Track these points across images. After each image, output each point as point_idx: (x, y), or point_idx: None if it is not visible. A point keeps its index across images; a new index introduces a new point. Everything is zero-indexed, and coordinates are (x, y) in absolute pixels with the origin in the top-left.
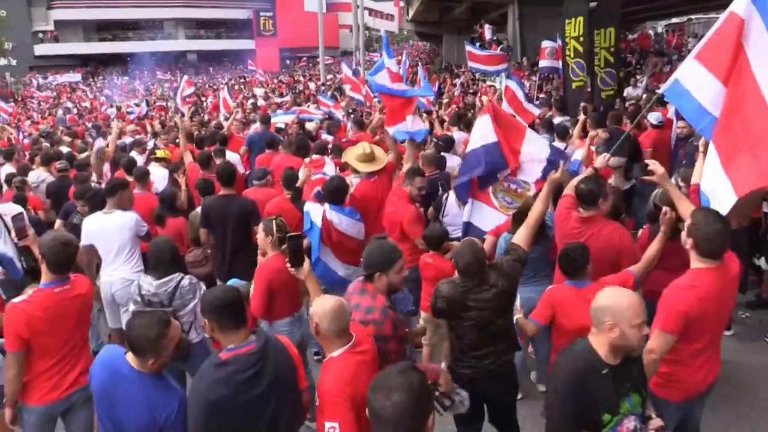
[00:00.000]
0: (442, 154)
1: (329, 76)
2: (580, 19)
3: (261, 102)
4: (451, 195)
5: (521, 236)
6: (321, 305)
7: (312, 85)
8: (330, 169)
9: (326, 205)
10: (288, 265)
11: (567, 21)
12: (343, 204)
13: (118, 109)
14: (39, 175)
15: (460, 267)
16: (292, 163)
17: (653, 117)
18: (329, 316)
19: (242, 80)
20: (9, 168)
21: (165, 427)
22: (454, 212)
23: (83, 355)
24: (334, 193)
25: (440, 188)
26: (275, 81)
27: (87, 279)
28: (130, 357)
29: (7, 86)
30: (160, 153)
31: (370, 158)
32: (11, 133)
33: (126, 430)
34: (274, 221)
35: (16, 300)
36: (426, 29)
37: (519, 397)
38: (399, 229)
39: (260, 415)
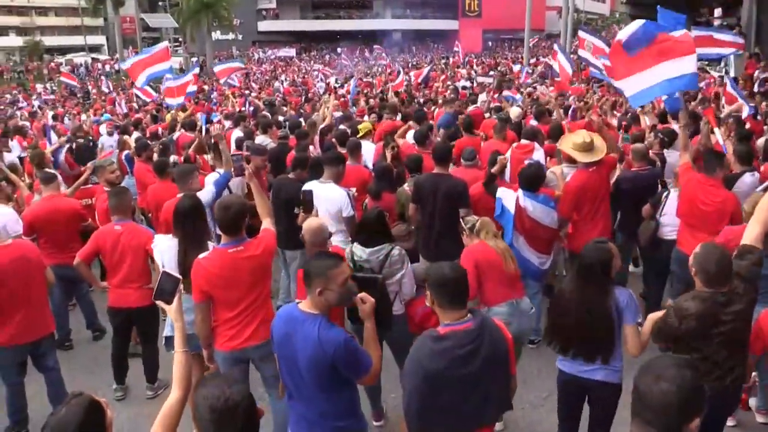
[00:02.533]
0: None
1: (532, 60)
2: None
3: (465, 83)
4: (672, 193)
5: (754, 234)
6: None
7: (516, 68)
8: (539, 155)
9: (520, 192)
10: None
11: None
12: (537, 191)
13: (327, 84)
14: (262, 141)
15: (710, 276)
16: (499, 147)
17: None
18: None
19: (444, 60)
20: (238, 133)
21: (335, 359)
22: (675, 211)
23: (262, 311)
24: (530, 180)
25: (659, 185)
26: (478, 61)
27: (262, 241)
28: (302, 304)
29: (234, 58)
30: (363, 127)
31: (588, 147)
32: (236, 102)
33: (301, 365)
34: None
35: (200, 256)
36: (642, 12)
37: None
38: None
39: (471, 393)
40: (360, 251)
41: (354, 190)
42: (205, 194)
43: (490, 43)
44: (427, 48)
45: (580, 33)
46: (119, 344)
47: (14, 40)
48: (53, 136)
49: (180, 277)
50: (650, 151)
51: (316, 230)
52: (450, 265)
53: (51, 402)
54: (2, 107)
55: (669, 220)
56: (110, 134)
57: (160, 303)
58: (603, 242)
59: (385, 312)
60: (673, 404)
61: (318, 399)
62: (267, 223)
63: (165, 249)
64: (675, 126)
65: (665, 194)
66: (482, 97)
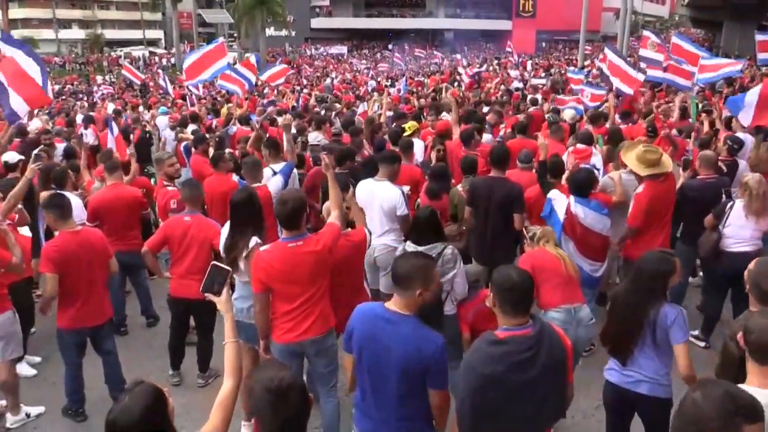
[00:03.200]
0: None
1: (587, 62)
2: None
3: (517, 85)
4: (737, 204)
5: None
6: None
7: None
8: (598, 160)
9: (571, 198)
10: None
11: None
12: (587, 196)
13: (378, 82)
14: (315, 137)
15: (763, 292)
16: (556, 149)
17: None
18: None
19: (497, 61)
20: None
21: (430, 364)
22: (739, 223)
23: (319, 305)
24: (580, 185)
25: (723, 195)
26: (531, 63)
27: (323, 237)
28: (389, 304)
29: (286, 54)
30: (410, 126)
31: (654, 162)
32: (291, 97)
33: (388, 365)
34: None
35: (261, 249)
36: (704, 15)
37: None
38: None
39: (527, 399)
40: (412, 249)
41: (408, 188)
42: (274, 183)
43: (543, 44)
44: (479, 48)
45: (645, 32)
46: (177, 333)
47: (77, 33)
48: (114, 127)
49: (229, 269)
50: (719, 158)
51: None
52: (518, 270)
53: (107, 384)
54: (65, 98)
55: (732, 232)
56: (172, 128)
57: (208, 295)
58: (668, 254)
59: (438, 311)
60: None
61: (397, 401)
62: (334, 217)
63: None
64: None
65: (729, 205)
66: (537, 99)
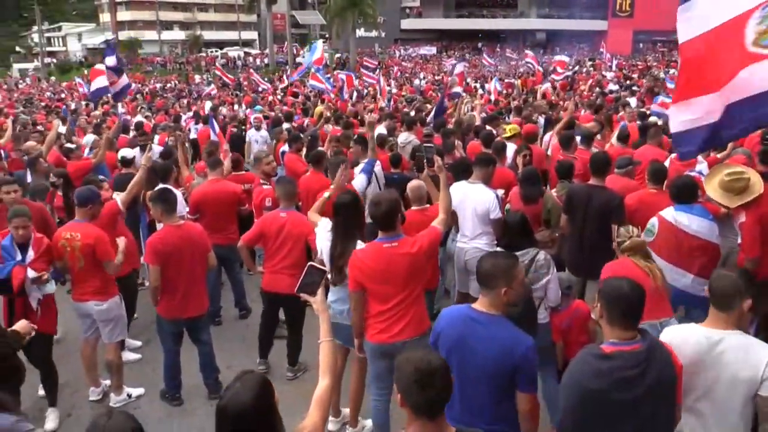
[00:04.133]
0: None
1: None
2: None
3: (612, 87)
4: None
5: None
6: None
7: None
8: (704, 168)
9: (669, 208)
10: None
11: None
12: (692, 202)
13: (467, 84)
14: (406, 137)
15: None
16: (658, 155)
17: None
18: None
19: (590, 62)
20: (381, 129)
21: (519, 364)
22: None
23: (413, 308)
24: (682, 190)
25: None
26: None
27: (419, 240)
28: (476, 305)
29: (376, 55)
30: (511, 128)
31: (741, 191)
32: (381, 98)
33: (476, 367)
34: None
35: (357, 248)
36: None
37: None
38: None
39: (632, 418)
40: None
41: (502, 192)
42: (358, 182)
43: (641, 45)
44: (571, 49)
45: None
46: (267, 325)
47: (177, 34)
48: (215, 124)
49: (326, 269)
50: None
51: (417, 187)
52: (630, 282)
53: (202, 372)
54: (167, 96)
55: None
56: (257, 128)
57: (303, 295)
58: None
59: (530, 319)
60: None
61: (487, 404)
62: (438, 222)
63: (323, 236)
64: None
65: None
66: (632, 101)
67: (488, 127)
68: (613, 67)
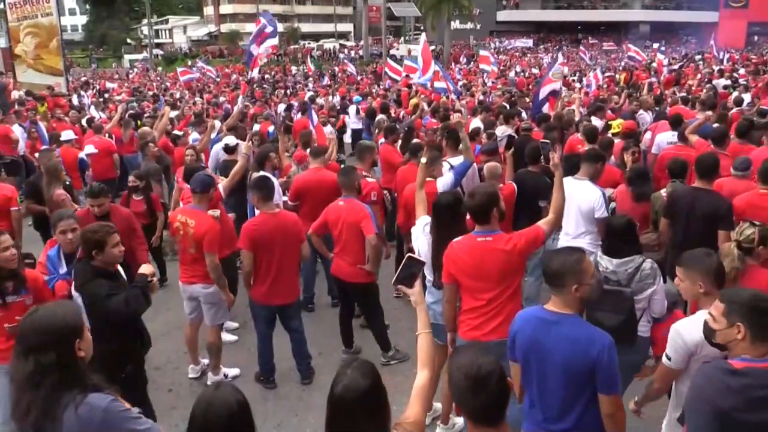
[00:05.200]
0: None
1: None
2: None
3: (725, 82)
4: None
5: None
6: None
7: None
8: None
9: None
10: None
11: None
12: None
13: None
14: (504, 131)
15: None
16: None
17: None
18: None
19: (699, 56)
20: (477, 123)
21: (596, 364)
22: None
23: (508, 307)
24: None
25: None
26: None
27: (515, 238)
28: (549, 305)
29: (471, 47)
30: (616, 124)
31: None
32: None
33: (553, 369)
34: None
35: (454, 240)
36: None
37: None
38: None
39: None
40: (606, 262)
41: (610, 191)
42: (444, 180)
43: (756, 38)
44: (678, 42)
45: None
46: (342, 311)
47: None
48: (314, 114)
49: (424, 262)
50: None
51: (494, 166)
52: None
53: (294, 357)
54: (265, 86)
55: None
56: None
57: (401, 288)
58: None
59: (631, 330)
60: None
61: (566, 407)
62: (544, 222)
63: (419, 233)
64: None
65: None
66: (747, 98)
67: (593, 118)
68: (725, 62)
